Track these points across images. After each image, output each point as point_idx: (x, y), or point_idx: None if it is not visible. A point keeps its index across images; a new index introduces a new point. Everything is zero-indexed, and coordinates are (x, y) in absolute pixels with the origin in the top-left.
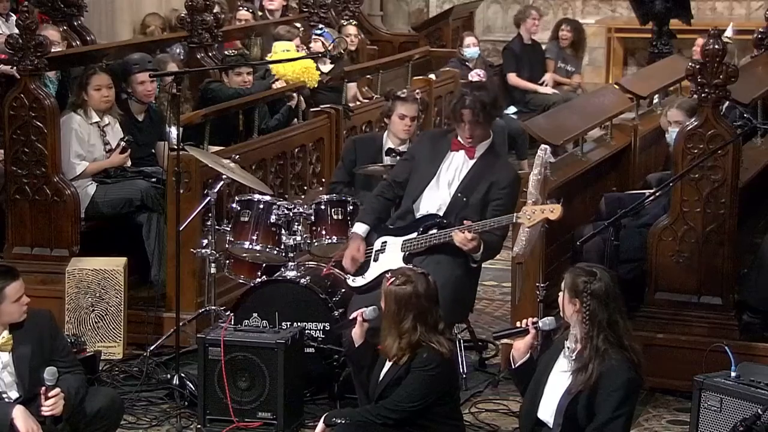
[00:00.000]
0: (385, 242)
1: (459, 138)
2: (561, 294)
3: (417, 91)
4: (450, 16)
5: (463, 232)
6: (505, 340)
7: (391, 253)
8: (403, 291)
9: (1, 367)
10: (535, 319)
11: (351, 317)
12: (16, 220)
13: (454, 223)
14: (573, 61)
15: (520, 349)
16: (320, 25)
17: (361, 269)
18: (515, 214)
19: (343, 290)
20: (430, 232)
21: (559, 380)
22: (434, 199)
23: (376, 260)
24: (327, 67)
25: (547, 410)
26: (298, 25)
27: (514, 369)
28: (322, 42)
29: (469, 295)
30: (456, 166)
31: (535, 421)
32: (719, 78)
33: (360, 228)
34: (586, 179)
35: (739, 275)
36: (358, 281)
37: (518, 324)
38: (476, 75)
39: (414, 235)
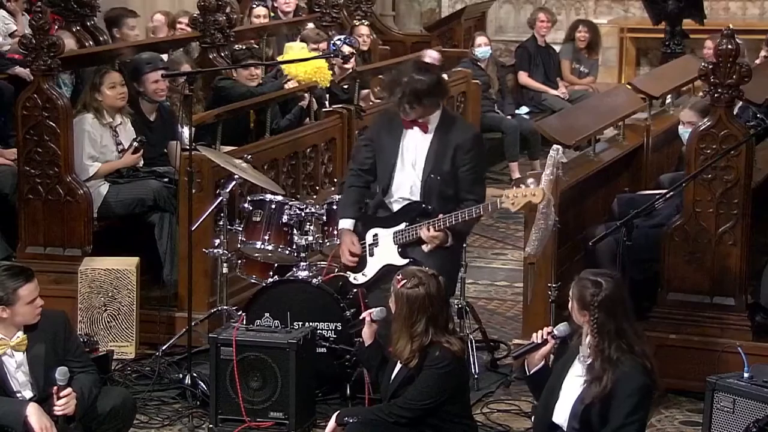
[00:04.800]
0: (376, 235)
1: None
2: (570, 302)
3: None
4: (462, 16)
5: (429, 229)
6: (516, 340)
7: (385, 247)
8: (415, 294)
9: (16, 366)
10: (550, 329)
11: (360, 317)
12: (29, 219)
13: (437, 207)
14: (587, 63)
15: (535, 356)
16: (336, 36)
17: (359, 265)
18: (498, 199)
19: (355, 290)
20: (418, 221)
21: (574, 385)
22: (404, 181)
23: (371, 255)
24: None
25: (561, 414)
26: (311, 24)
27: (529, 376)
28: (349, 45)
29: (457, 273)
30: (415, 144)
31: (549, 425)
32: (732, 78)
33: (346, 223)
34: (599, 179)
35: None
36: (360, 279)
37: (534, 338)
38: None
39: (402, 226)
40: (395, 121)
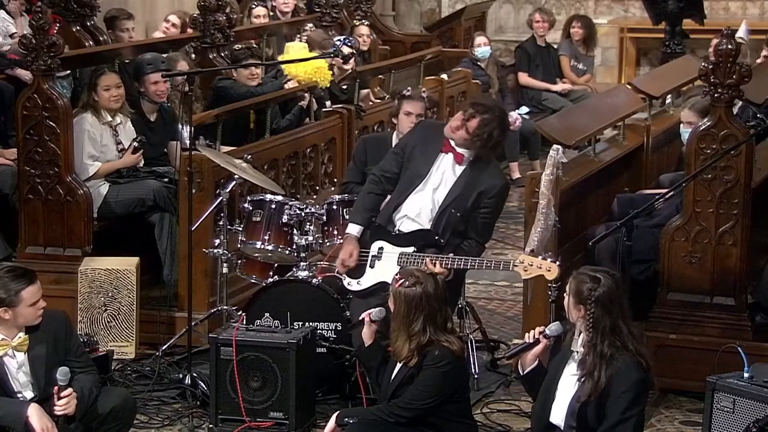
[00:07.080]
0: (382, 248)
1: (446, 128)
2: (566, 298)
3: (423, 89)
4: (462, 16)
5: (435, 265)
6: (516, 340)
7: (388, 264)
8: (413, 293)
9: (17, 367)
10: (542, 329)
11: (359, 318)
12: (29, 219)
13: (447, 240)
14: (584, 60)
15: (527, 356)
16: (336, 36)
17: (358, 272)
18: (512, 262)
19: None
20: (427, 251)
21: (569, 384)
22: (416, 202)
23: (372, 266)
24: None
25: (558, 414)
26: (311, 25)
27: (523, 376)
28: (349, 46)
29: (457, 296)
30: (444, 170)
31: (546, 424)
32: (732, 78)
33: (353, 229)
34: (599, 179)
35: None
36: (354, 286)
37: (527, 338)
38: (512, 117)
39: (411, 249)
40: (433, 140)
